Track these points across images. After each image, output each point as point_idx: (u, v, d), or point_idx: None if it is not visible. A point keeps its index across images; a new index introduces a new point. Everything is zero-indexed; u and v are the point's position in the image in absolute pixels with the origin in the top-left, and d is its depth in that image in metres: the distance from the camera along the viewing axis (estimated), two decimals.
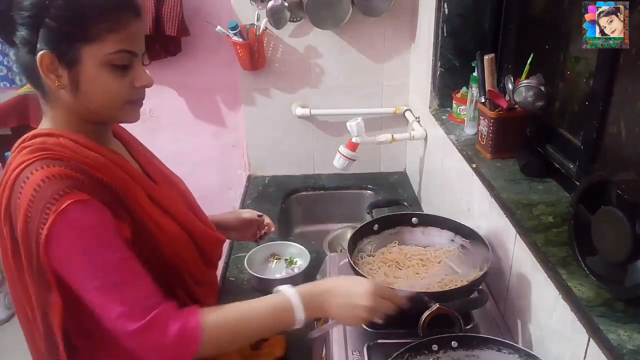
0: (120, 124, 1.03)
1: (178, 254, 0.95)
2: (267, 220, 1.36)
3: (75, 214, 0.79)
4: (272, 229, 1.37)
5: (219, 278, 1.52)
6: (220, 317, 0.88)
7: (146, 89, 0.92)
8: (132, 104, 0.91)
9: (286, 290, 0.93)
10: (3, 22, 0.83)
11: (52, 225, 0.78)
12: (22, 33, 0.83)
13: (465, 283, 1.04)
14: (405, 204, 1.43)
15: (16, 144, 0.89)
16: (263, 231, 1.35)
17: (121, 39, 0.84)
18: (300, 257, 1.56)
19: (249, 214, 1.34)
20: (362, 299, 0.90)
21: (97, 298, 0.81)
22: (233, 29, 1.84)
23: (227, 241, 1.73)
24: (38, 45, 0.82)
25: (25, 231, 0.80)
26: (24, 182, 0.81)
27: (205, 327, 0.85)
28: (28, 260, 0.82)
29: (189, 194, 1.13)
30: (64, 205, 0.78)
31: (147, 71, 0.91)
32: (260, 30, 1.86)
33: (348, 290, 0.93)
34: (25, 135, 0.90)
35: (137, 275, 0.84)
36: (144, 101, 0.93)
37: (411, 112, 2.00)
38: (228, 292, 1.47)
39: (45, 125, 0.91)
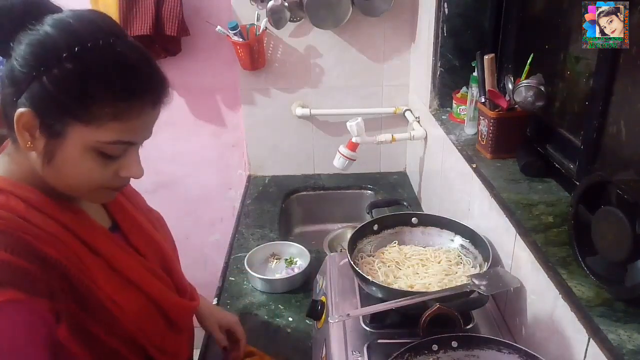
0: None
1: (140, 327, 0.84)
2: (241, 346, 1.15)
3: (1, 317, 0.66)
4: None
5: (219, 281, 1.52)
6: None
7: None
8: (109, 190, 0.80)
9: None
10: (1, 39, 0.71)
11: None
12: (11, 73, 0.71)
13: (465, 283, 1.04)
14: (405, 204, 1.43)
15: None
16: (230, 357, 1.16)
17: (123, 130, 0.73)
18: (300, 257, 1.56)
19: (226, 334, 1.15)
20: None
21: None
22: (233, 29, 1.84)
23: (227, 241, 1.75)
24: (23, 98, 0.70)
25: None
26: None
27: None
28: None
29: (168, 243, 1.00)
30: None
31: (139, 160, 0.79)
32: (260, 30, 1.86)
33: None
34: None
35: None
36: None
37: (411, 112, 2.00)
38: (228, 292, 1.47)
39: (2, 166, 0.78)
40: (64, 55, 0.69)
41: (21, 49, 0.70)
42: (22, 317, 0.68)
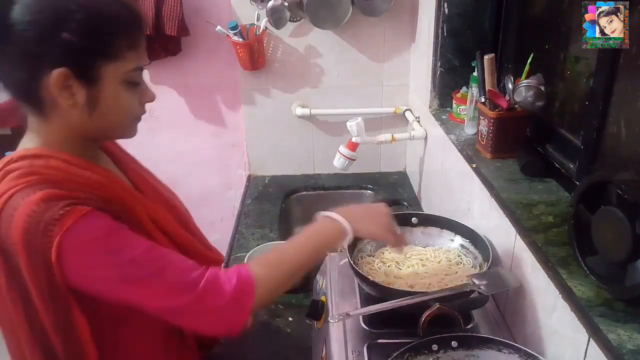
0: None
1: None
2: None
3: (82, 230, 0.75)
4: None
5: None
6: (265, 260, 0.91)
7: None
8: (137, 120, 0.90)
9: (319, 214, 1.01)
10: None
11: (60, 245, 0.73)
12: (23, 47, 0.75)
13: (465, 283, 1.04)
14: (405, 203, 1.43)
15: None
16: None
17: (138, 55, 0.83)
18: None
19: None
20: (379, 207, 1.05)
21: (139, 292, 0.79)
22: (233, 28, 1.84)
23: (227, 241, 1.75)
24: (49, 61, 0.75)
25: (28, 261, 0.75)
26: (14, 210, 0.74)
27: (257, 272, 0.86)
28: (37, 289, 0.76)
29: (183, 211, 1.07)
30: (68, 225, 0.73)
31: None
32: (260, 30, 1.86)
33: (367, 206, 1.17)
34: (9, 157, 0.82)
35: (168, 257, 0.82)
36: None
37: (411, 112, 2.00)
38: None
39: (30, 143, 0.84)
40: (72, 7, 0.75)
41: (23, 20, 0.73)
42: (105, 219, 0.78)
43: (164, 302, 0.80)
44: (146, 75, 0.94)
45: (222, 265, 1.07)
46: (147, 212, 0.89)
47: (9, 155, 0.83)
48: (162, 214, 0.94)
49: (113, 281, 0.78)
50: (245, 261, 1.49)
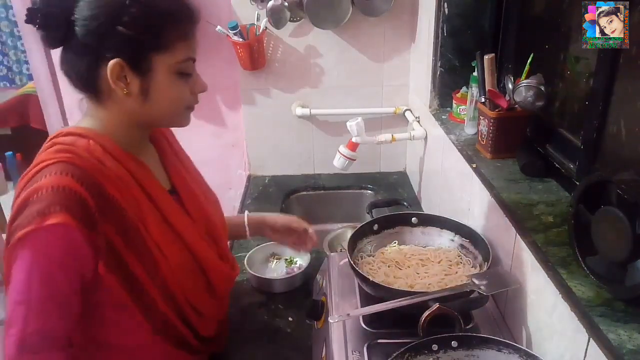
0: None
1: (180, 282, 0.94)
2: (310, 230, 1.35)
3: (46, 236, 0.77)
4: (314, 242, 1.35)
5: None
6: None
7: None
8: (189, 110, 0.95)
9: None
10: (59, 24, 0.81)
11: (26, 235, 0.77)
12: (85, 40, 0.81)
13: (465, 283, 1.04)
14: (405, 203, 1.43)
15: (51, 136, 0.89)
16: (309, 245, 1.35)
17: (188, 47, 0.88)
18: (300, 257, 1.56)
19: (297, 223, 1.35)
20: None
21: (13, 311, 0.79)
22: (233, 28, 1.84)
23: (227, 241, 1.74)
24: (106, 52, 0.82)
25: (11, 220, 0.80)
26: (38, 181, 0.80)
27: None
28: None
29: (217, 216, 1.11)
30: (45, 223, 0.76)
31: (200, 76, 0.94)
32: (260, 30, 1.86)
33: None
34: (61, 130, 0.89)
35: (59, 313, 0.80)
36: None
37: (411, 112, 2.00)
38: None
39: (85, 122, 0.90)
40: (126, 1, 0.81)
41: (85, 16, 0.80)
42: (65, 242, 0.78)
43: (10, 333, 0.78)
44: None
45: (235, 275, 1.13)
46: (166, 216, 0.92)
47: (62, 129, 0.89)
48: (183, 219, 0.96)
49: (13, 288, 0.79)
50: (245, 261, 1.49)
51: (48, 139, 0.89)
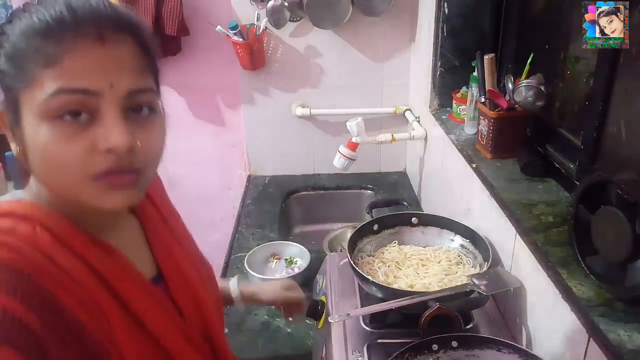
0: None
1: None
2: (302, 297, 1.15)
3: None
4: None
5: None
6: None
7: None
8: (100, 181, 0.58)
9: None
10: None
11: None
12: None
13: (465, 283, 1.04)
14: (405, 203, 1.43)
15: None
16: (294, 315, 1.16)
17: (62, 74, 0.55)
18: (300, 257, 1.56)
19: (290, 292, 1.13)
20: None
21: None
22: (233, 28, 1.84)
23: (227, 241, 1.75)
24: None
25: None
26: None
27: None
28: None
29: (213, 301, 0.82)
30: None
31: (121, 122, 0.57)
32: (260, 30, 1.86)
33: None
34: None
35: None
36: None
37: (411, 111, 2.00)
38: None
39: (28, 191, 0.66)
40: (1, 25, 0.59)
41: None
42: None
43: None
44: None
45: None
46: (143, 322, 0.65)
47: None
48: (164, 325, 0.68)
49: None
50: (245, 262, 1.49)
51: None
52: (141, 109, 0.61)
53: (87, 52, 0.56)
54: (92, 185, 0.58)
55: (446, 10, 1.59)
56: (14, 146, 0.61)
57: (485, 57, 1.34)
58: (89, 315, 0.59)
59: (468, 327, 1.01)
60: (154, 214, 0.78)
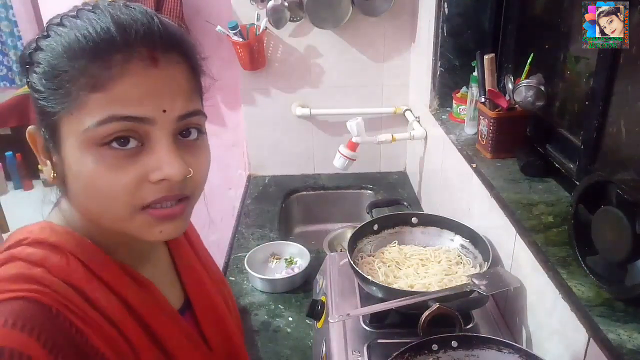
0: None
1: None
2: None
3: None
4: None
5: None
6: None
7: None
8: (150, 212, 0.55)
9: None
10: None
11: None
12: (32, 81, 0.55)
13: (465, 283, 1.04)
14: (405, 203, 1.43)
15: (8, 241, 0.58)
16: None
17: (111, 100, 0.52)
18: (300, 256, 1.56)
19: None
20: None
21: None
22: (233, 28, 1.84)
23: (227, 241, 1.75)
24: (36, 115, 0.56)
25: None
26: None
27: None
28: None
29: (237, 333, 0.78)
30: None
31: (173, 151, 0.55)
32: (260, 30, 1.86)
33: None
34: (26, 235, 0.57)
35: None
36: None
37: (411, 111, 2.00)
38: None
39: (58, 216, 0.61)
40: (33, 46, 0.55)
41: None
42: None
43: None
44: None
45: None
46: (172, 357, 0.62)
47: (27, 228, 0.59)
48: (191, 358, 0.66)
49: None
50: (245, 262, 1.49)
51: (4, 245, 0.58)
52: (189, 133, 0.59)
53: (140, 77, 0.52)
54: (141, 216, 0.55)
55: (446, 10, 1.59)
56: (47, 170, 0.57)
57: (485, 57, 1.34)
58: (117, 353, 0.55)
59: (468, 327, 1.02)
60: (182, 239, 0.75)
